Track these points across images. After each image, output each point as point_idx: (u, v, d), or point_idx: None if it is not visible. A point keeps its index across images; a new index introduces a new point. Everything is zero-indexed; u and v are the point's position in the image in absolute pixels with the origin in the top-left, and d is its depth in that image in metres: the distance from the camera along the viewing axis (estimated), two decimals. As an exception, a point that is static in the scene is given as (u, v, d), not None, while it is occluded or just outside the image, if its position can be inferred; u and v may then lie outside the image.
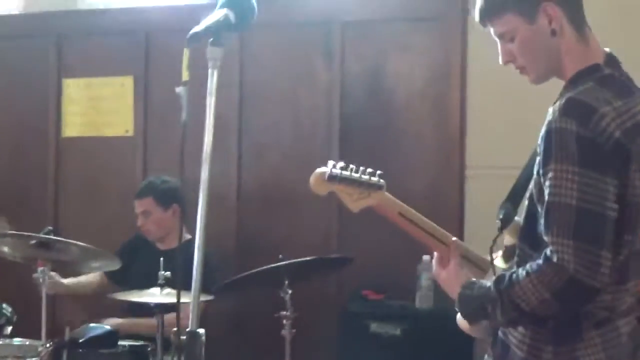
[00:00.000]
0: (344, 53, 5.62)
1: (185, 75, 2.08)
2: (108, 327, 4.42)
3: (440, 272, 2.49)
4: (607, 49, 2.40)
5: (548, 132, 2.20)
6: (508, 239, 2.43)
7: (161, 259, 4.29)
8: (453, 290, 2.39)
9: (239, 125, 5.78)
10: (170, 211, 5.01)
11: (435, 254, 2.52)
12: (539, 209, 2.24)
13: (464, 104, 5.44)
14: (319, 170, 2.39)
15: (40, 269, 4.21)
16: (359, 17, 5.61)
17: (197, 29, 2.16)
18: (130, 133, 6.01)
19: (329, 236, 5.56)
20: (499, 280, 2.23)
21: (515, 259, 2.32)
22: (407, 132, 5.55)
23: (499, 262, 2.45)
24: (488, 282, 2.28)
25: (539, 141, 2.24)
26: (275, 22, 5.64)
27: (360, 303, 5.10)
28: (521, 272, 2.18)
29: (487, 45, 5.06)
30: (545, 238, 2.16)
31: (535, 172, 2.28)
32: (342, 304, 5.17)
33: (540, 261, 2.15)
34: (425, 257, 5.06)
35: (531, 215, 2.30)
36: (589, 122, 2.16)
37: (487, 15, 2.40)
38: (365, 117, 5.59)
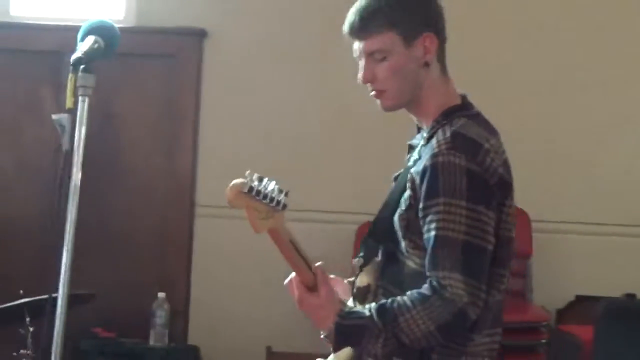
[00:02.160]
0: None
1: (69, 102, 1.98)
2: None
3: (309, 297, 2.25)
4: (461, 92, 2.41)
5: (434, 166, 2.17)
6: (361, 279, 2.34)
7: None
8: (325, 317, 2.22)
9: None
10: None
11: (294, 278, 2.28)
12: (403, 245, 2.25)
13: (196, 143, 5.50)
14: (237, 181, 2.10)
15: None
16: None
17: (78, 54, 2.06)
18: None
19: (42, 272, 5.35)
20: (382, 311, 2.16)
21: (381, 298, 2.26)
22: (136, 169, 5.49)
23: (350, 304, 2.34)
24: (366, 311, 2.19)
25: (418, 174, 2.21)
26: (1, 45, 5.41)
27: (92, 341, 4.97)
28: (404, 303, 2.15)
29: (221, 82, 5.33)
30: (431, 272, 2.14)
31: (404, 207, 2.24)
32: (73, 341, 4.99)
33: (426, 293, 2.13)
34: (161, 295, 5.06)
35: (391, 254, 2.29)
36: (476, 157, 2.17)
37: (365, 29, 2.30)
38: (92, 153, 5.45)
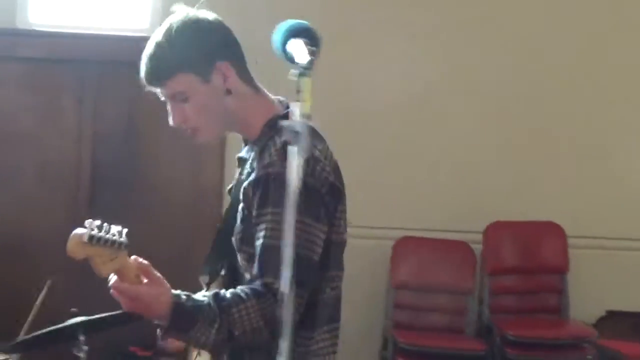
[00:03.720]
0: (98, 94, 5.31)
1: (307, 108, 1.87)
2: None
3: (144, 288, 2.13)
4: (279, 97, 2.40)
5: (265, 177, 2.19)
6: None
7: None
8: (162, 303, 2.12)
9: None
10: None
11: (117, 282, 2.14)
12: (239, 258, 2.25)
13: (223, 157, 5.38)
14: (77, 232, 2.07)
15: None
16: (116, 59, 5.34)
17: (307, 57, 1.95)
18: None
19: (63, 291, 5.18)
20: (218, 298, 2.14)
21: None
22: (160, 181, 5.36)
23: None
24: (204, 298, 2.16)
25: (251, 186, 2.21)
26: (24, 54, 5.23)
27: (129, 360, 4.82)
28: (239, 295, 2.14)
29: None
30: (259, 277, 2.16)
31: (238, 220, 2.25)
32: (109, 360, 4.85)
33: (259, 289, 2.14)
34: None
35: (233, 268, 2.30)
36: (307, 167, 2.15)
37: (158, 76, 2.29)
38: (118, 163, 5.32)
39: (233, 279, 2.30)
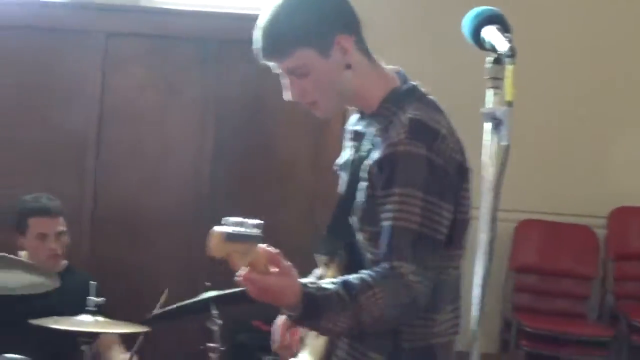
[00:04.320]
0: (221, 72, 5.34)
1: (509, 95, 1.85)
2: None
3: (273, 279, 2.06)
4: (395, 67, 2.36)
5: (394, 154, 2.14)
6: (327, 276, 2.27)
7: (92, 284, 3.84)
8: (292, 293, 2.07)
9: (97, 140, 5.31)
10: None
11: (247, 273, 2.07)
12: (360, 237, 2.22)
13: (340, 134, 5.37)
14: (216, 230, 2.03)
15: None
16: (238, 37, 5.36)
17: (509, 43, 1.92)
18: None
19: (193, 265, 5.25)
20: (347, 285, 2.09)
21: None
22: (281, 159, 5.38)
23: None
24: (329, 285, 2.10)
25: (375, 164, 2.17)
26: (148, 31, 5.28)
27: (251, 335, 4.84)
28: (366, 281, 2.09)
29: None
30: (386, 260, 2.12)
31: (362, 198, 2.20)
32: (230, 336, 4.88)
33: (385, 274, 2.10)
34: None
35: (352, 248, 2.25)
36: (435, 145, 2.13)
37: (276, 52, 2.25)
38: (240, 141, 5.35)
39: (351, 259, 2.28)
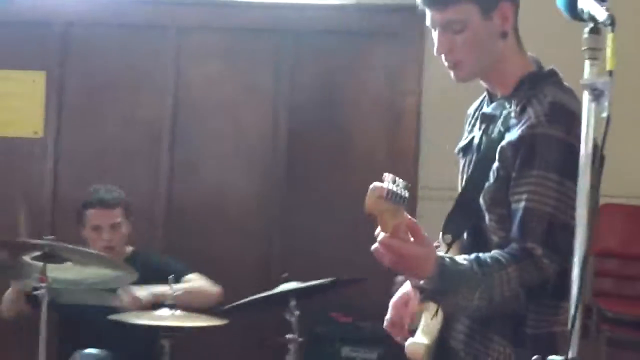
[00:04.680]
0: (295, 64, 5.33)
1: (611, 64, 1.81)
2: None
3: (412, 247, 2.05)
4: (531, 54, 2.37)
5: (531, 137, 2.15)
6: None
7: (171, 277, 3.90)
8: (427, 264, 2.06)
9: (171, 134, 5.34)
10: (131, 223, 4.50)
11: (388, 237, 2.05)
12: (487, 219, 2.22)
13: (419, 123, 5.34)
14: (376, 186, 2.02)
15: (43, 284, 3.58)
16: (313, 28, 5.36)
17: (608, 11, 1.89)
18: (40, 134, 5.37)
19: (269, 257, 5.26)
20: (481, 262, 2.11)
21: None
22: (358, 150, 5.36)
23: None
24: (463, 261, 2.11)
25: (511, 145, 2.17)
26: (220, 25, 5.30)
27: (330, 326, 4.84)
28: (499, 260, 2.11)
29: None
30: (519, 240, 2.14)
31: (492, 179, 2.20)
32: (309, 327, 4.88)
33: (518, 255, 2.11)
34: (400, 278, 4.90)
35: (478, 229, 2.25)
36: (574, 129, 2.08)
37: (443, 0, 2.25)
38: (314, 133, 5.35)
39: (476, 241, 2.27)
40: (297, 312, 4.04)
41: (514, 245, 2.14)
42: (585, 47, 1.91)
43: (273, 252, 5.29)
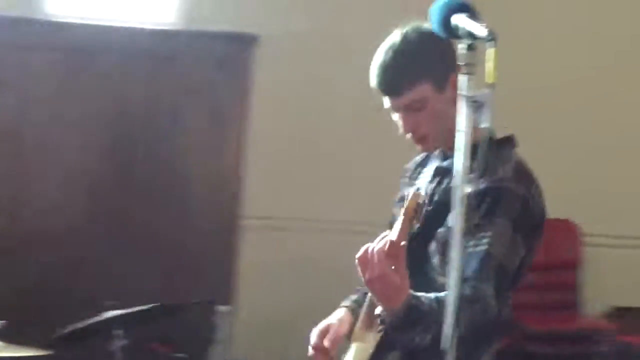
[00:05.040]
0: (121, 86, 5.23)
1: (491, 77, 1.85)
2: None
3: (392, 275, 2.13)
4: None
5: (498, 189, 2.31)
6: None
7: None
8: (397, 297, 2.15)
9: None
10: None
11: (381, 251, 2.13)
12: (436, 260, 2.34)
13: (243, 152, 5.34)
14: (422, 193, 2.31)
15: None
16: (138, 51, 5.26)
17: (486, 28, 1.93)
18: None
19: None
20: (440, 302, 2.15)
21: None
22: (178, 178, 5.31)
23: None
24: (425, 300, 2.20)
25: (476, 193, 2.23)
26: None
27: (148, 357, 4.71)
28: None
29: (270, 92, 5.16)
30: (474, 280, 2.23)
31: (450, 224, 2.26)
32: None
33: (470, 295, 2.19)
34: (223, 308, 4.84)
35: (419, 270, 2.34)
36: (532, 189, 2.35)
37: (398, 86, 2.37)
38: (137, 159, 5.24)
39: (423, 280, 2.31)
40: (121, 342, 3.90)
41: (467, 286, 2.18)
42: (462, 63, 1.95)
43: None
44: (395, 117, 2.43)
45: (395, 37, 2.38)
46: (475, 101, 1.91)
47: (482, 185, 2.29)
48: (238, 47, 5.32)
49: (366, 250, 2.16)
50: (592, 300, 5.51)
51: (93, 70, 5.22)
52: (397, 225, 2.18)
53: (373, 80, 2.40)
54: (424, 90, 2.35)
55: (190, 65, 5.30)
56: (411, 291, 2.17)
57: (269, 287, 5.28)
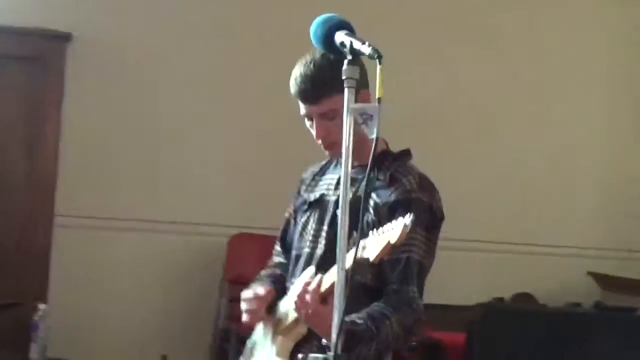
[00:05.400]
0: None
1: (380, 92, 2.05)
2: None
3: (323, 309, 2.39)
4: None
5: (408, 200, 2.55)
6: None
7: None
8: (326, 325, 2.26)
9: None
10: None
11: (315, 290, 2.42)
12: None
13: (57, 149, 5.31)
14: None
15: None
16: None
17: (370, 46, 2.12)
18: None
19: None
20: (373, 319, 2.43)
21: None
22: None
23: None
24: (360, 321, 2.42)
25: (387, 205, 2.54)
26: None
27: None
28: (384, 312, 2.45)
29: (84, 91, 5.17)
30: (402, 285, 2.51)
31: (372, 222, 2.53)
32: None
33: (398, 302, 2.48)
34: (43, 306, 4.81)
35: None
36: (436, 196, 2.62)
37: (317, 95, 2.57)
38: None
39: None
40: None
41: (391, 293, 2.49)
42: (345, 77, 2.13)
43: None
44: (308, 123, 2.64)
45: (314, 53, 2.56)
46: (364, 114, 2.10)
47: (392, 197, 2.56)
48: (53, 44, 5.29)
49: (301, 292, 2.42)
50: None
51: None
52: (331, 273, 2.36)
53: (293, 88, 2.60)
54: (337, 101, 2.47)
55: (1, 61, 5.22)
56: (345, 318, 2.24)
57: (82, 285, 5.32)
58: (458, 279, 5.78)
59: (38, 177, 5.28)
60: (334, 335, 2.10)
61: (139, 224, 5.41)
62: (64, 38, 5.29)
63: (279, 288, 2.77)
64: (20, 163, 5.26)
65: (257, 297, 2.69)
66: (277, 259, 2.98)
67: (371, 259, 2.24)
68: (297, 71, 2.61)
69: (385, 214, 2.52)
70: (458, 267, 5.74)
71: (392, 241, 2.18)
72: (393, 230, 2.19)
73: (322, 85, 2.56)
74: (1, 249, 5.19)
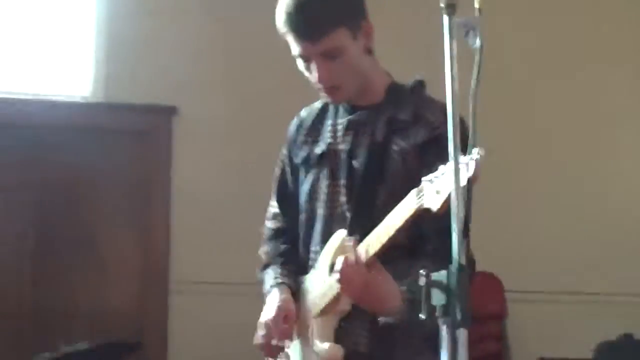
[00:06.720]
0: (40, 160, 5.24)
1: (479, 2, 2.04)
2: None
3: (375, 277, 2.15)
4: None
5: (437, 138, 2.21)
6: None
7: None
8: (392, 296, 2.15)
9: None
10: None
11: (354, 263, 2.15)
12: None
13: (167, 218, 5.38)
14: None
15: None
16: (57, 124, 5.31)
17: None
18: None
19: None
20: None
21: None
22: (108, 245, 5.30)
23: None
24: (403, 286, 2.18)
25: (417, 145, 2.28)
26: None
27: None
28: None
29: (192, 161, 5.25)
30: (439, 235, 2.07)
31: (402, 171, 2.27)
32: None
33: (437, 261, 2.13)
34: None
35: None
36: (464, 125, 2.25)
37: (318, 30, 2.25)
38: (63, 230, 5.24)
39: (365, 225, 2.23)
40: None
41: (437, 240, 2.15)
42: (443, 5, 2.13)
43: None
44: (303, 65, 2.33)
45: None
46: (466, 25, 2.10)
47: (419, 138, 2.27)
48: (158, 119, 5.44)
49: (344, 267, 2.13)
50: (518, 351, 5.61)
51: (11, 142, 5.22)
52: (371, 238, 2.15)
53: (287, 24, 2.27)
54: (340, 36, 2.25)
55: (109, 137, 5.39)
56: (401, 288, 2.14)
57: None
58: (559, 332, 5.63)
59: (150, 249, 5.35)
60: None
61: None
62: (170, 111, 5.42)
63: (294, 269, 2.50)
64: (133, 234, 5.34)
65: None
66: (274, 223, 2.65)
67: (434, 209, 1.94)
68: (290, 3, 2.26)
69: (417, 156, 2.26)
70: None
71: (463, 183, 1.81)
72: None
73: (324, 17, 2.25)
74: (118, 314, 5.23)
